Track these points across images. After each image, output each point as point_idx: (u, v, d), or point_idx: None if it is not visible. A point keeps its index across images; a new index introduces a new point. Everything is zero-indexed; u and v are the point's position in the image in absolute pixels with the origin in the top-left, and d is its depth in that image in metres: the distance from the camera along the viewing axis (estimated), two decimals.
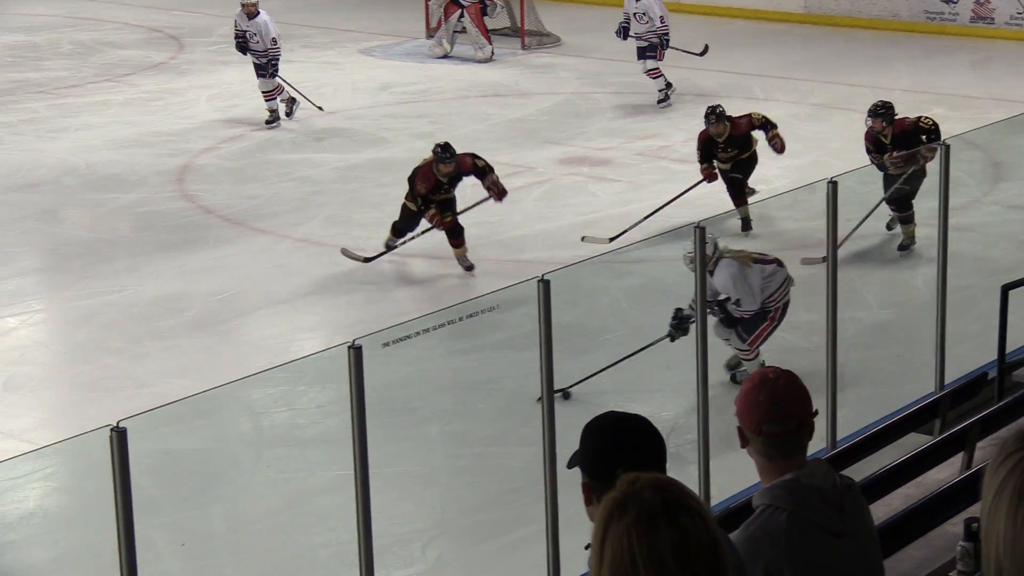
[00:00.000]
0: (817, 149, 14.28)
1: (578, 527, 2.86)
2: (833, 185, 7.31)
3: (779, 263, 8.85)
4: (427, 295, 10.20)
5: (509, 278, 10.04)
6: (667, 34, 15.83)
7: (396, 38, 20.13)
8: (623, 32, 16.16)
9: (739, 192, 11.78)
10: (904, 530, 5.77)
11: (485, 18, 18.87)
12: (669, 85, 15.97)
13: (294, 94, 15.75)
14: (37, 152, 14.80)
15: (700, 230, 6.76)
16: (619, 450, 3.08)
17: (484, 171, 11.08)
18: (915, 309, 9.59)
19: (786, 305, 8.78)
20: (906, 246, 11.06)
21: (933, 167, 9.50)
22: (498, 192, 11.12)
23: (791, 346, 9.21)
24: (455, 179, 11.01)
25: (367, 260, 10.96)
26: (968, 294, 9.56)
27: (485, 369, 9.39)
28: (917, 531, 5.83)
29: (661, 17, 15.72)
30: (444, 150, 10.90)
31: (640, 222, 11.46)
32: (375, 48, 19.68)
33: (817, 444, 6.68)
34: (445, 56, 18.87)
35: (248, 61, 15.79)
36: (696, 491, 6.49)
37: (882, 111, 10.98)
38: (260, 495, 8.00)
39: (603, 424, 3.16)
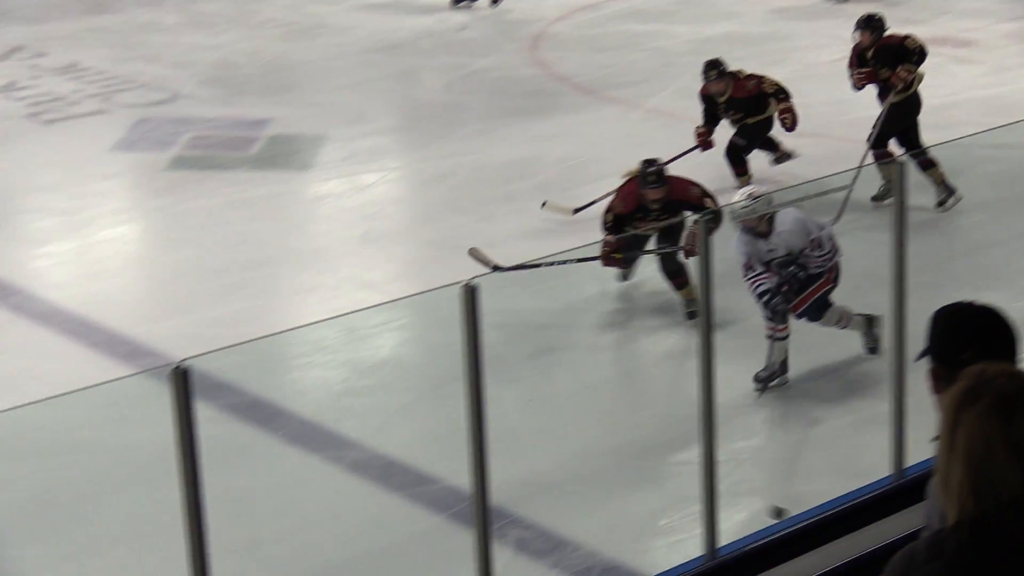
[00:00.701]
0: None
1: (926, 414, 2.79)
2: None
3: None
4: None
5: (854, 159, 9.78)
6: None
7: None
8: None
9: (738, 161, 10.12)
10: None
11: None
12: None
13: None
14: (400, 15, 15.19)
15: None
16: (968, 333, 2.99)
17: (705, 205, 8.24)
18: None
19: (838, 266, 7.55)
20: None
21: None
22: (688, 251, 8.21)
23: None
24: (670, 207, 8.40)
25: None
26: None
27: None
28: None
29: None
30: (649, 169, 8.40)
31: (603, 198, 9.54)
32: None
33: None
34: None
35: None
36: None
37: (875, 23, 9.76)
38: (603, 359, 8.11)
39: (953, 309, 3.09)
